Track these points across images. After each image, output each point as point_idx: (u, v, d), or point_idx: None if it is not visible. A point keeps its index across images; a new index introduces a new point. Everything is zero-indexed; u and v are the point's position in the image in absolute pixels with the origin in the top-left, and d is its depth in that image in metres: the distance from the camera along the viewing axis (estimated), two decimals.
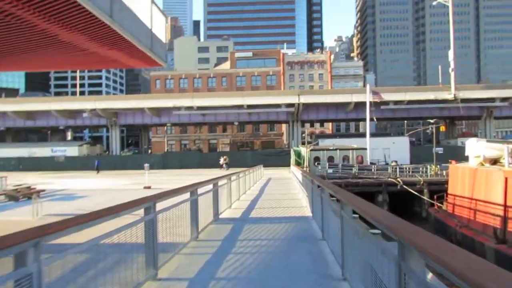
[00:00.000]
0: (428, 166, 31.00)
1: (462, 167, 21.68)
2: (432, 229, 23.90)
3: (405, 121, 79.50)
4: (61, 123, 55.09)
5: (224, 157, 45.59)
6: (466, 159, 38.73)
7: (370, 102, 38.17)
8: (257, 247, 6.85)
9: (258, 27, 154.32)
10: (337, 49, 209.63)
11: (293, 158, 37.66)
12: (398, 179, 29.33)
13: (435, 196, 24.91)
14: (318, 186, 7.23)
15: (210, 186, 9.32)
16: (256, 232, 8.08)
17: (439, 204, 24.53)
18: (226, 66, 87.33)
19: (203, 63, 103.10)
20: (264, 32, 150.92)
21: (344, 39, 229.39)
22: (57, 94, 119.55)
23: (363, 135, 59.19)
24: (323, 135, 62.40)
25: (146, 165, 29.70)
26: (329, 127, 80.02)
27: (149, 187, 26.93)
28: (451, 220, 21.25)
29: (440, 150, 47.77)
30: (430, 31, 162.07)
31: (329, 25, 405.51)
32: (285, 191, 18.07)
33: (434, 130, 34.42)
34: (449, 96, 45.40)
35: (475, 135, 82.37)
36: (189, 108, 49.48)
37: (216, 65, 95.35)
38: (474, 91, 46.58)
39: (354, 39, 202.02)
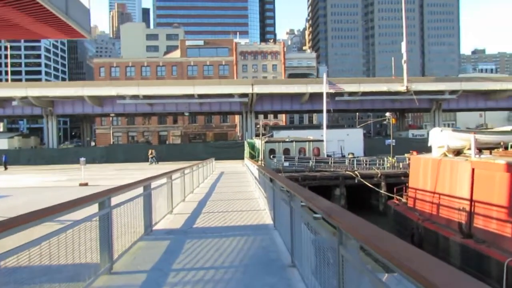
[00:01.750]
0: (385, 158, 30.21)
1: (424, 158, 20.69)
2: (392, 222, 22.90)
3: (357, 113, 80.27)
4: None
5: (151, 150, 42.75)
6: (419, 150, 38.85)
7: (326, 93, 36.92)
8: (200, 282, 4.63)
9: (210, 16, 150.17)
10: (289, 42, 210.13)
11: (247, 150, 35.64)
12: (356, 172, 28.25)
13: (394, 189, 23.94)
14: (288, 192, 5.18)
15: (140, 190, 6.94)
16: (200, 254, 5.85)
17: (398, 197, 23.60)
18: (176, 54, 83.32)
19: (152, 51, 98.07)
20: (216, 22, 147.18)
21: (296, 32, 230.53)
22: None
23: (317, 127, 58.56)
24: (278, 127, 60.98)
25: (82, 159, 26.23)
26: (283, 119, 78.97)
27: (85, 184, 23.80)
28: (412, 214, 20.23)
29: (393, 142, 48.01)
30: (379, 26, 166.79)
31: (281, 18, 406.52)
32: (239, 188, 15.93)
33: (390, 122, 33.81)
34: (402, 88, 45.45)
35: (420, 127, 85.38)
36: (135, 97, 45.69)
37: (165, 53, 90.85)
38: (426, 84, 47.06)
39: (306, 32, 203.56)
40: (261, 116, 57.54)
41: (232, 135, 75.64)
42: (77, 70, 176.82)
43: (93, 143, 71.36)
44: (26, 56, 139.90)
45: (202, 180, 18.56)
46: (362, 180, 27.71)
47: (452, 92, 47.14)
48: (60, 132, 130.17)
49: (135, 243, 6.27)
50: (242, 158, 38.46)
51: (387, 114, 35.34)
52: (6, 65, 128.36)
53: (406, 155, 36.71)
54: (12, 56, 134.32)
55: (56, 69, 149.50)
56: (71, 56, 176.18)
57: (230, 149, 45.02)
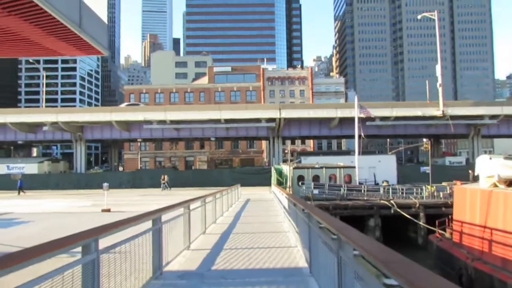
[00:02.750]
0: (423, 187, 28.03)
1: (471, 189, 18.67)
2: (435, 259, 20.69)
3: (387, 139, 77.59)
4: (20, 137, 50.05)
5: (163, 176, 41.93)
6: (457, 178, 36.27)
7: (359, 118, 35.35)
8: None
9: (237, 43, 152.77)
10: (316, 69, 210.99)
11: (274, 177, 34.22)
12: (391, 201, 26.22)
13: (436, 222, 21.78)
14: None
15: (148, 224, 5.76)
16: None
17: (441, 231, 21.41)
18: (204, 81, 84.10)
19: (181, 78, 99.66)
20: (244, 49, 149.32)
21: (323, 59, 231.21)
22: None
23: (347, 153, 56.56)
24: (306, 153, 59.36)
25: (105, 184, 25.61)
26: (310, 145, 77.29)
27: (108, 210, 23.03)
28: (459, 251, 18.09)
29: (428, 169, 45.37)
30: (408, 51, 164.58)
31: (308, 46, 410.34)
32: (266, 218, 14.52)
33: (429, 148, 31.66)
34: (437, 112, 43.17)
35: (455, 154, 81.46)
36: (162, 122, 45.49)
37: (194, 80, 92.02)
38: (463, 108, 44.56)
39: (333, 59, 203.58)
40: (288, 142, 56.06)
41: (259, 161, 74.45)
42: (110, 98, 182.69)
43: (121, 168, 71.84)
44: (62, 85, 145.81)
45: (227, 208, 17.29)
46: (398, 210, 25.66)
47: (493, 117, 44.38)
48: (91, 158, 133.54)
49: None
50: (269, 185, 37.03)
51: (424, 140, 33.26)
52: (42, 93, 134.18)
53: (443, 183, 34.30)
54: (48, 85, 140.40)
55: (90, 97, 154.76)
56: (104, 85, 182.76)
57: (256, 175, 43.75)
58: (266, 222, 13.17)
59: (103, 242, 4.13)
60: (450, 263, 18.53)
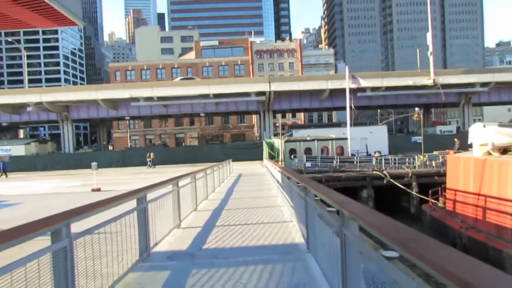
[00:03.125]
0: (416, 157, 27.93)
1: (464, 157, 18.47)
2: (428, 229, 20.73)
3: (378, 110, 77.46)
4: (4, 119, 48.71)
5: (148, 154, 41.41)
6: (448, 147, 36.30)
7: (350, 89, 34.80)
8: None
9: (224, 17, 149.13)
10: (304, 41, 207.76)
11: (265, 150, 33.86)
12: (384, 172, 26.11)
13: (429, 191, 21.72)
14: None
15: (133, 203, 5.32)
16: None
17: (433, 201, 21.38)
18: (191, 56, 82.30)
19: (167, 54, 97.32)
20: (231, 23, 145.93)
21: (311, 31, 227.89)
22: None
23: (338, 125, 56.30)
24: (297, 126, 59.00)
25: (94, 164, 25.06)
26: (301, 118, 76.89)
27: (98, 190, 22.62)
28: (453, 220, 18.05)
29: (419, 139, 45.37)
30: (397, 21, 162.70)
31: (296, 18, 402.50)
32: (259, 193, 14.17)
33: (421, 117, 31.41)
34: (428, 81, 42.79)
35: (444, 123, 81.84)
36: (149, 98, 44.45)
37: (180, 55, 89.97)
38: (454, 76, 44.15)
39: (322, 31, 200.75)
40: (279, 116, 55.54)
41: (250, 135, 74.04)
42: (95, 76, 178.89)
43: (110, 147, 70.94)
44: (46, 64, 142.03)
45: (219, 184, 16.92)
46: (391, 180, 25.58)
47: (484, 84, 44.17)
48: (80, 138, 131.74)
49: (123, 277, 4.61)
50: (261, 159, 36.74)
51: (416, 109, 32.98)
52: (29, 73, 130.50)
53: (435, 152, 34.31)
54: (31, 65, 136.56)
55: (74, 76, 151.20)
56: (89, 63, 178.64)
57: (248, 150, 43.38)
58: (259, 197, 12.82)
59: (81, 226, 3.67)
60: (444, 233, 18.53)
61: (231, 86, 44.55)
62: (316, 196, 4.76)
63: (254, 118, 71.14)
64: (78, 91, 45.94)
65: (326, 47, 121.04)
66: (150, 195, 6.02)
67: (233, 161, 30.52)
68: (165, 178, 7.72)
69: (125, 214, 4.89)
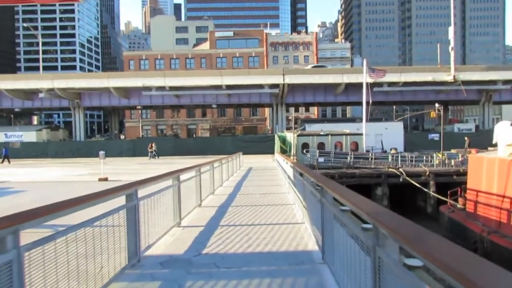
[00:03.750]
0: (434, 155, 26.77)
1: (488, 157, 17.35)
2: (446, 232, 19.73)
3: (393, 106, 75.71)
4: (17, 105, 48.72)
5: (150, 144, 40.70)
6: (464, 146, 34.86)
7: (366, 83, 33.59)
8: None
9: (240, 8, 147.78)
10: (320, 35, 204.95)
11: (277, 144, 33.01)
12: (400, 170, 25.05)
13: (448, 192, 20.65)
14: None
15: (122, 199, 4.59)
16: None
17: (452, 202, 20.32)
18: (205, 46, 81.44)
19: (182, 44, 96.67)
20: (247, 14, 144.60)
21: (328, 25, 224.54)
22: None
23: (352, 120, 55.02)
24: (310, 120, 57.85)
25: (101, 152, 24.54)
26: (314, 112, 75.63)
27: (105, 179, 22.18)
28: (474, 223, 17.04)
29: (436, 136, 44.03)
30: (416, 16, 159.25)
31: (312, 12, 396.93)
32: (269, 188, 13.39)
33: (441, 114, 30.10)
34: (448, 77, 41.22)
35: (461, 121, 79.61)
36: (161, 88, 43.86)
37: (195, 46, 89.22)
38: (475, 73, 42.46)
39: (339, 24, 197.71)
40: (292, 109, 54.45)
41: (262, 129, 73.18)
42: (111, 65, 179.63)
43: (122, 136, 70.89)
44: (62, 52, 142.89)
45: (227, 177, 16.17)
46: (407, 178, 24.53)
47: (506, 82, 42.40)
48: (94, 126, 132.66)
49: (104, 287, 3.88)
50: (272, 153, 35.96)
51: (436, 105, 31.68)
52: (44, 60, 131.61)
53: (453, 150, 33.03)
54: (47, 52, 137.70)
55: (90, 64, 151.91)
56: (104, 51, 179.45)
57: (259, 143, 42.58)
58: (269, 193, 12.03)
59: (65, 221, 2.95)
60: (464, 236, 17.52)
61: (244, 77, 43.65)
62: (340, 203, 3.94)
63: (267, 111, 70.22)
64: (90, 79, 45.60)
65: (343, 41, 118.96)
66: (144, 191, 5.30)
67: (244, 154, 29.78)
68: (174, 169, 7.02)
69: (109, 214, 4.17)
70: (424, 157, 26.94)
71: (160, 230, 6.04)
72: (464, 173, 24.92)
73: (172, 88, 44.19)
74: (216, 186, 12.54)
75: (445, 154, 26.69)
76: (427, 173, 24.86)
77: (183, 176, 7.58)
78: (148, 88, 44.16)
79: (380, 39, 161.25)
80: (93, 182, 20.92)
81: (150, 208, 5.46)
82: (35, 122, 78.68)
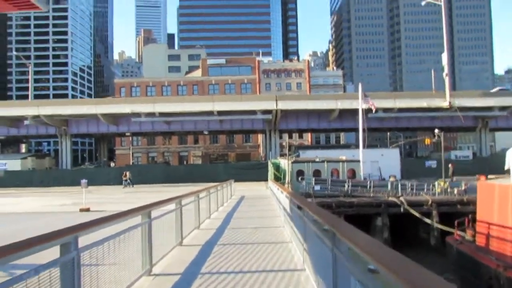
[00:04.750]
0: (436, 183, 25.52)
1: (501, 185, 16.10)
2: (455, 266, 18.19)
3: (388, 133, 75.16)
4: (2, 132, 47.08)
5: (124, 173, 39.30)
6: (463, 173, 33.76)
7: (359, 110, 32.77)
8: None
9: (232, 38, 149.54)
10: (312, 64, 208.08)
11: (271, 171, 31.64)
12: (401, 199, 23.69)
13: (455, 222, 19.23)
14: None
15: (56, 252, 3.17)
16: None
17: (460, 233, 18.88)
18: (197, 73, 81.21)
19: (174, 72, 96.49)
20: (239, 43, 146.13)
21: (319, 55, 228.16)
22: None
23: (347, 146, 54.02)
24: (304, 147, 56.78)
25: (83, 181, 23.01)
26: (308, 139, 74.75)
27: (87, 210, 20.69)
28: (487, 257, 15.57)
29: (433, 164, 43.05)
30: (406, 45, 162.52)
31: (303, 42, 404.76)
32: (262, 221, 11.94)
33: (441, 140, 29.13)
34: (444, 103, 40.64)
35: (455, 149, 79.13)
36: (151, 114, 42.64)
37: (187, 73, 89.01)
38: (471, 99, 41.97)
39: (329, 54, 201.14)
40: (285, 136, 53.43)
41: (255, 155, 71.90)
42: (103, 94, 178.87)
43: (112, 164, 69.07)
44: (54, 80, 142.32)
45: (216, 208, 14.66)
46: (409, 208, 23.13)
47: (502, 108, 41.91)
48: (85, 154, 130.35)
49: None
50: (265, 180, 34.57)
51: (436, 130, 30.75)
52: (29, 88, 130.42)
53: (452, 177, 31.87)
54: (40, 80, 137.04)
55: (82, 92, 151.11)
56: (97, 80, 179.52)
57: (252, 170, 41.20)
58: (261, 227, 10.57)
59: None
60: (476, 271, 16.01)
61: (237, 103, 42.70)
62: (362, 258, 2.58)
63: (260, 137, 69.21)
64: (77, 105, 44.31)
65: (334, 68, 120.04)
66: (94, 235, 3.91)
67: (236, 181, 28.47)
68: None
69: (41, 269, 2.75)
70: (425, 185, 25.66)
71: (127, 278, 4.59)
72: (468, 203, 23.67)
73: (162, 114, 43.03)
74: (203, 219, 11.07)
75: (447, 182, 25.43)
76: (430, 202, 23.51)
77: (155, 212, 6.16)
78: (137, 115, 42.94)
79: (371, 67, 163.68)
80: (73, 213, 19.51)
81: (103, 257, 4.04)
82: (23, 150, 76.71)
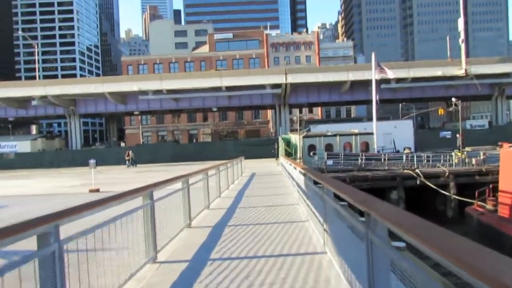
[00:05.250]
0: (453, 153, 24.65)
1: None
2: (475, 235, 17.58)
3: (399, 104, 73.55)
4: (11, 114, 46.98)
5: (127, 152, 38.73)
6: (479, 143, 32.61)
7: (372, 80, 31.59)
8: None
9: (239, 11, 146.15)
10: (321, 36, 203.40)
11: (282, 147, 30.98)
12: (417, 171, 22.94)
13: (476, 192, 18.52)
14: None
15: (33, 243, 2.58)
16: None
17: (481, 204, 18.19)
18: (205, 49, 79.77)
19: (181, 48, 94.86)
20: (246, 17, 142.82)
21: (328, 26, 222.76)
22: None
23: (358, 119, 52.94)
24: (314, 121, 55.78)
25: (91, 161, 22.79)
26: (318, 113, 73.60)
27: (96, 190, 20.56)
28: (510, 227, 14.96)
29: (448, 134, 41.96)
30: (418, 14, 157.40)
31: (312, 14, 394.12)
32: (275, 199, 11.38)
33: (459, 109, 28.00)
34: (459, 71, 39.08)
35: (468, 119, 77.21)
36: (158, 92, 41.95)
37: (194, 49, 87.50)
38: (488, 66, 40.23)
39: (339, 25, 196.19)
40: (295, 111, 52.40)
41: (265, 132, 71.19)
42: (111, 73, 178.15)
43: (123, 144, 69.15)
44: (62, 60, 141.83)
45: (227, 186, 14.17)
46: (425, 181, 22.42)
47: None
48: (95, 134, 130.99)
49: None
50: (276, 156, 34.02)
51: (453, 99, 29.58)
52: (44, 69, 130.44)
53: (468, 148, 30.82)
54: (47, 61, 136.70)
55: (90, 72, 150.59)
56: (105, 59, 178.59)
57: (262, 147, 40.57)
58: (275, 205, 10.02)
59: None
60: (499, 241, 15.41)
61: (245, 78, 41.66)
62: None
63: (269, 113, 68.31)
64: (84, 84, 43.73)
65: (345, 39, 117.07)
66: (82, 222, 3.34)
67: (247, 158, 27.94)
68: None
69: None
70: (442, 156, 24.81)
71: (133, 265, 4.09)
72: (487, 173, 22.87)
73: (169, 92, 42.30)
74: (212, 199, 10.54)
75: (465, 153, 24.53)
76: (447, 173, 22.74)
77: (160, 192, 5.60)
78: (145, 92, 42.29)
79: (382, 38, 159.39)
80: (82, 194, 19.31)
81: (94, 248, 3.48)
82: (34, 132, 77.14)
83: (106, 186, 21.22)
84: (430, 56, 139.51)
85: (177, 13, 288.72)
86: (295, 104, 47.59)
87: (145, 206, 5.06)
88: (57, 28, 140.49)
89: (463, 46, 38.21)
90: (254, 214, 8.84)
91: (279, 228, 7.04)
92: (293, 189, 11.72)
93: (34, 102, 42.29)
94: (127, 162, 37.96)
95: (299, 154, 26.49)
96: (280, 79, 40.95)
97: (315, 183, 5.96)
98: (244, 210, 9.44)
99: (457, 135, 35.69)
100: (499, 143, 19.00)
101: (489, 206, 17.50)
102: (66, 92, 42.17)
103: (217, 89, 42.07)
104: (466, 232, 18.24)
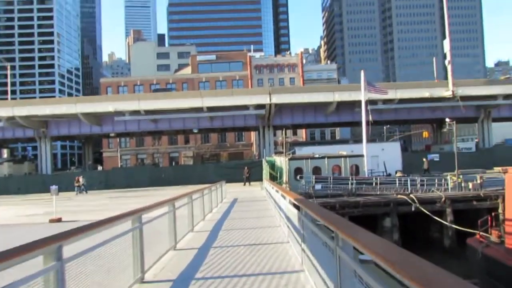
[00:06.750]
0: (448, 177, 23.15)
1: None
2: (479, 270, 15.78)
3: (384, 127, 73.02)
4: None
5: (77, 178, 36.39)
6: (467, 166, 31.38)
7: (359, 102, 30.30)
8: None
9: (223, 35, 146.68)
10: (304, 61, 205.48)
11: (266, 170, 29.08)
12: (411, 196, 21.26)
13: (478, 222, 16.86)
14: None
15: None
16: None
17: (483, 234, 16.49)
18: (187, 71, 78.39)
19: (163, 71, 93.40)
20: (229, 41, 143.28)
21: (310, 51, 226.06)
22: None
23: (344, 141, 51.72)
24: (299, 143, 54.29)
25: (53, 187, 20.43)
26: (302, 136, 72.31)
27: (58, 220, 18.22)
28: None
29: (436, 157, 40.84)
30: (398, 39, 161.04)
31: (295, 39, 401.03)
32: (260, 233, 9.35)
33: (454, 130, 26.71)
34: (447, 93, 38.36)
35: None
36: (136, 112, 39.79)
37: (176, 71, 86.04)
38: (475, 87, 39.71)
39: (321, 50, 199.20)
40: (279, 133, 50.82)
41: (248, 154, 69.29)
42: (92, 95, 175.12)
43: (100, 168, 66.05)
44: (40, 83, 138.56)
45: (202, 216, 12.04)
46: (420, 207, 20.72)
47: (507, 96, 39.77)
48: (74, 158, 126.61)
49: None
50: (260, 180, 32.05)
51: (447, 119, 28.40)
52: (22, 90, 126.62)
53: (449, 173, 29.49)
54: (25, 83, 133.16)
55: (70, 94, 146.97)
56: (86, 82, 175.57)
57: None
58: (259, 244, 8.00)
59: None
60: (506, 278, 13.65)
61: (227, 98, 40.00)
62: None
63: (253, 135, 66.63)
64: (55, 104, 41.16)
65: (328, 62, 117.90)
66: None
67: (229, 182, 25.97)
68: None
69: None
70: (436, 180, 23.28)
71: None
72: (485, 198, 21.41)
73: (148, 112, 40.21)
74: (184, 233, 8.45)
75: (461, 176, 23.06)
76: (443, 199, 21.13)
77: (146, 216, 3.64)
78: (121, 113, 40.07)
79: (364, 62, 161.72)
80: (41, 225, 17.05)
81: (91, 267, 3.48)
82: (5, 156, 73.40)
83: (69, 215, 19.05)
84: (410, 80, 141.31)
85: (161, 37, 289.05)
86: (279, 125, 46.05)
87: (134, 229, 5.12)
88: (36, 50, 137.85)
89: (449, 68, 37.71)
90: (234, 255, 6.78)
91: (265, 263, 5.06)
92: (279, 219, 9.78)
93: (0, 124, 39.50)
94: (76, 188, 35.07)
95: (285, 178, 24.59)
96: (264, 99, 39.44)
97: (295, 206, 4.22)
98: (221, 251, 7.37)
99: (424, 159, 34.59)
100: (501, 169, 17.49)
101: (493, 237, 15.83)
102: (35, 113, 39.54)
103: (198, 109, 40.21)
104: (469, 268, 16.47)
